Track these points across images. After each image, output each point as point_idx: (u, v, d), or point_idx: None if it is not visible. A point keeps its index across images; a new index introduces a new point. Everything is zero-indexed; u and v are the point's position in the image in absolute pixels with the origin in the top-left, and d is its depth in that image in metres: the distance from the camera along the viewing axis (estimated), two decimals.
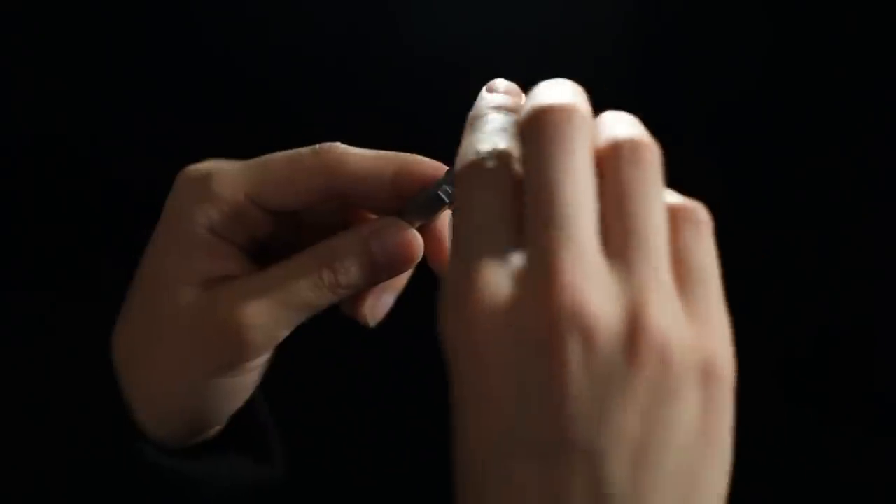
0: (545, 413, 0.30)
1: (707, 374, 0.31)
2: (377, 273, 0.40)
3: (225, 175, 0.40)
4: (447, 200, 0.39)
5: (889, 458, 0.61)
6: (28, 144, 0.60)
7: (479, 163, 0.33)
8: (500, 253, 0.31)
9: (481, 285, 0.30)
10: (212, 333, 0.39)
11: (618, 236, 0.31)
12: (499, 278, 0.31)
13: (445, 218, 0.42)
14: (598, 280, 0.30)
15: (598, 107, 0.35)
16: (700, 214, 0.33)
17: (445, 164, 0.40)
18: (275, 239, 0.42)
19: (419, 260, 0.41)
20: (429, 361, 0.60)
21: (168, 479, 0.42)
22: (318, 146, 0.40)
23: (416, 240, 0.40)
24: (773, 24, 0.62)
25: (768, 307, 0.62)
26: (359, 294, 0.44)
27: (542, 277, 0.30)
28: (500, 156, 0.33)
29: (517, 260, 0.31)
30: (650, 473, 0.30)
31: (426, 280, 0.45)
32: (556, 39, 0.55)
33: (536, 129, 0.32)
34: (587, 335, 0.29)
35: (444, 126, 0.39)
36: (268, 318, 0.39)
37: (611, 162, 0.32)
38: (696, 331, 0.31)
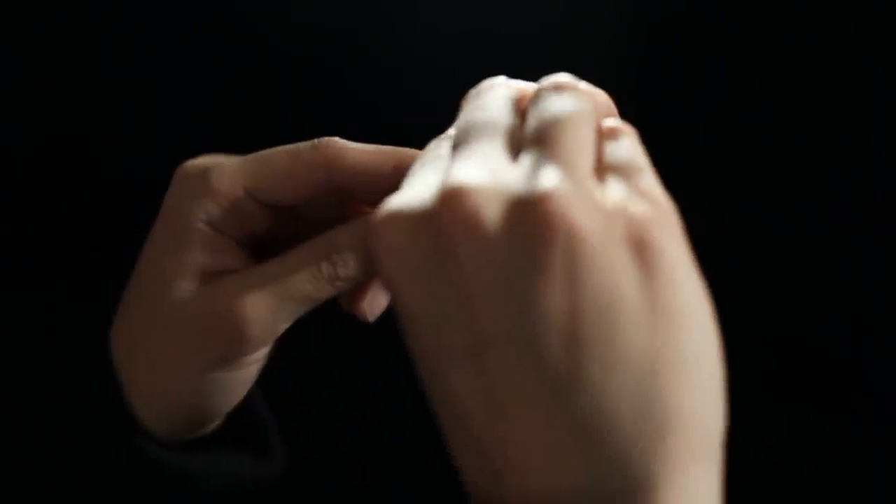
0: (460, 315, 0.30)
1: (640, 247, 0.30)
2: (375, 266, 0.40)
3: (223, 170, 0.40)
4: None
5: (882, 453, 0.61)
6: (27, 144, 0.60)
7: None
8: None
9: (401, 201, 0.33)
10: (210, 327, 0.39)
11: (529, 143, 0.33)
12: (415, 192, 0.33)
13: None
14: (496, 177, 0.31)
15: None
16: (622, 128, 0.34)
17: None
18: (273, 233, 0.42)
19: None
20: None
21: (167, 473, 0.42)
22: (316, 140, 0.40)
23: None
24: (771, 23, 0.62)
25: (765, 305, 0.62)
26: (357, 289, 0.44)
27: (441, 188, 0.31)
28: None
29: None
30: (592, 353, 0.29)
31: None
32: (553, 39, 0.55)
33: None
34: (472, 226, 0.30)
35: (440, 126, 0.39)
36: (266, 311, 0.39)
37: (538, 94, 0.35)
38: (619, 211, 0.31)
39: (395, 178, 0.40)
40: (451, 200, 0.31)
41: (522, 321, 0.29)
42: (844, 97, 0.62)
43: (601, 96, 0.35)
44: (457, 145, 0.35)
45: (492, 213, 0.30)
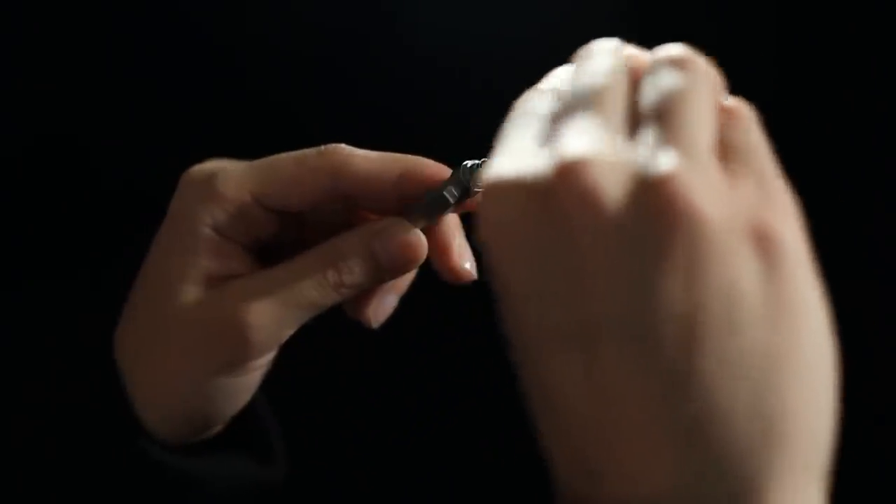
0: (570, 295, 0.28)
1: (762, 239, 0.28)
2: (381, 273, 0.40)
3: (230, 175, 0.40)
4: (451, 202, 0.39)
5: (878, 456, 0.61)
6: (31, 145, 0.60)
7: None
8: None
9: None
10: (215, 332, 0.39)
11: (648, 118, 0.30)
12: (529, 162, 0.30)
13: (451, 221, 0.42)
14: (616, 151, 0.29)
15: None
16: (743, 108, 0.32)
17: (449, 166, 0.40)
18: (279, 239, 0.42)
19: (423, 261, 0.41)
20: (431, 362, 0.60)
21: (170, 477, 0.42)
22: (323, 147, 0.40)
23: (420, 241, 0.40)
24: (775, 23, 0.62)
25: None
26: (362, 295, 0.44)
27: (556, 159, 0.29)
28: None
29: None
30: (709, 347, 0.27)
31: (429, 282, 0.45)
32: (554, 39, 0.55)
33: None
34: (591, 202, 0.28)
35: (444, 129, 0.39)
36: (271, 317, 0.39)
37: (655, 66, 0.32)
38: (742, 198, 0.29)
39: (400, 186, 0.40)
40: (570, 174, 0.28)
41: (639, 307, 0.27)
42: (847, 98, 0.61)
43: (718, 74, 0.32)
44: (566, 110, 0.31)
45: (613, 190, 0.28)
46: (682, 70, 0.31)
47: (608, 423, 0.28)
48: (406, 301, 0.46)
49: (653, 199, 0.28)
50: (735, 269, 0.28)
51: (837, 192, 0.62)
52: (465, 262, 0.42)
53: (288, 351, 0.42)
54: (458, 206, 0.40)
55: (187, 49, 0.61)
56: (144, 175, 0.51)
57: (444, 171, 0.40)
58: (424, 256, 0.40)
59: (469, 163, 0.38)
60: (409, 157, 0.40)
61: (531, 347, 0.30)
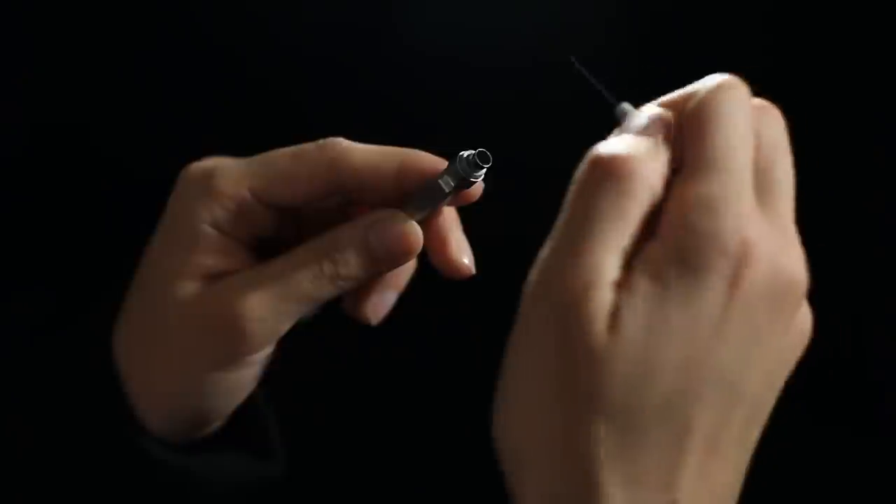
0: None
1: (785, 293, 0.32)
2: (377, 265, 0.40)
3: (228, 171, 0.40)
4: (447, 192, 0.39)
5: (878, 457, 0.61)
6: (29, 141, 0.60)
7: None
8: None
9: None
10: (213, 327, 0.39)
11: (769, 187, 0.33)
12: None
13: (448, 213, 0.42)
14: (772, 242, 0.32)
15: (596, 104, 0.35)
16: (785, 142, 0.34)
17: (447, 160, 0.40)
18: (277, 235, 0.42)
19: (419, 252, 0.40)
20: (429, 359, 0.60)
21: (170, 474, 0.42)
22: (321, 141, 0.40)
23: (416, 232, 0.40)
24: (769, 21, 0.62)
25: None
26: (361, 292, 0.44)
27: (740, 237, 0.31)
28: None
29: None
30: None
31: (427, 279, 0.45)
32: (555, 36, 0.55)
33: None
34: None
35: (444, 124, 0.39)
36: (268, 310, 0.39)
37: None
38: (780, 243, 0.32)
39: (398, 179, 0.40)
40: (745, 257, 0.31)
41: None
42: (845, 94, 0.61)
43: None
44: (710, 171, 0.32)
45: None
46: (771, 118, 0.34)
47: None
48: (405, 298, 0.46)
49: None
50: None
51: (832, 189, 0.62)
52: (464, 257, 0.42)
53: (286, 348, 0.42)
54: (454, 197, 0.40)
55: (189, 46, 0.61)
56: (146, 173, 0.51)
57: (441, 163, 0.40)
58: (420, 247, 0.40)
59: (465, 153, 0.38)
60: (407, 150, 0.40)
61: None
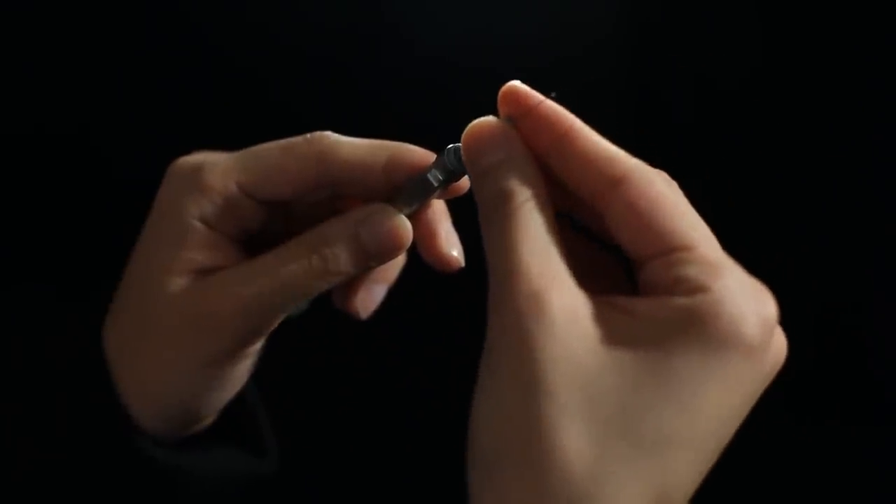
0: None
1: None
2: (366, 259, 0.40)
3: (216, 166, 0.40)
4: (436, 185, 0.39)
5: (873, 451, 0.61)
6: (23, 141, 0.60)
7: None
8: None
9: None
10: (203, 321, 0.39)
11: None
12: None
13: (437, 207, 0.42)
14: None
15: (596, 103, 0.35)
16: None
17: (436, 153, 0.40)
18: (267, 230, 0.42)
19: (408, 246, 0.40)
20: (419, 353, 0.60)
21: (161, 470, 0.42)
22: (309, 135, 0.40)
23: (405, 226, 0.40)
24: (767, 19, 0.62)
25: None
26: (350, 286, 0.44)
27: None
28: None
29: None
30: None
31: (417, 272, 0.45)
32: (553, 36, 0.55)
33: None
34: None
35: (439, 122, 0.39)
36: (258, 305, 0.39)
37: None
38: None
39: (387, 172, 0.40)
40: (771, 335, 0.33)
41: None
42: (845, 89, 0.61)
43: None
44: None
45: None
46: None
47: None
48: (394, 292, 0.46)
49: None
50: None
51: (830, 188, 0.62)
52: (453, 249, 0.42)
53: (276, 343, 0.42)
54: (443, 190, 0.40)
55: (184, 46, 0.61)
56: (138, 171, 0.51)
57: (430, 157, 0.40)
58: (410, 242, 0.40)
59: (453, 146, 0.38)
60: (395, 143, 0.40)
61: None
